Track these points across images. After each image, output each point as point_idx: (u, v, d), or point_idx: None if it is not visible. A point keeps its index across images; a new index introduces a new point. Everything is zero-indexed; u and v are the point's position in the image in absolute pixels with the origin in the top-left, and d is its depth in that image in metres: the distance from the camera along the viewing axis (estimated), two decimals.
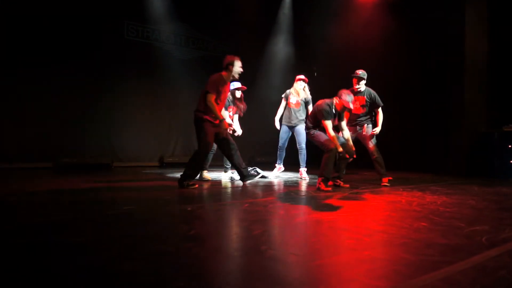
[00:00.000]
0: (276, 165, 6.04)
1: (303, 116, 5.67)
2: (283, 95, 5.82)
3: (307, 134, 4.52)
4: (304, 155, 5.67)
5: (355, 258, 1.70)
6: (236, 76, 4.42)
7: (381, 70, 8.20)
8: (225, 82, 4.36)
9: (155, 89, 8.86)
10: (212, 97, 4.16)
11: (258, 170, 5.78)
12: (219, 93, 4.25)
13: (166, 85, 8.96)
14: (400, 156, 7.67)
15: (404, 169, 7.24)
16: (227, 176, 5.56)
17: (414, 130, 7.81)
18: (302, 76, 5.75)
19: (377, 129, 4.74)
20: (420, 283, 1.37)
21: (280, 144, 5.87)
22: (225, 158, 5.52)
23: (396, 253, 1.76)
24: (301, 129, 5.57)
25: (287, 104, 5.73)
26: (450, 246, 1.88)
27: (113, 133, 8.25)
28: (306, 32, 10.49)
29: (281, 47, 10.78)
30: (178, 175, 6.16)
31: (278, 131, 5.91)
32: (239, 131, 5.62)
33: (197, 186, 4.23)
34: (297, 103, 5.67)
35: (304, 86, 5.70)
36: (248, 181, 4.61)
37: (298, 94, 5.66)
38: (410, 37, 7.89)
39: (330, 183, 4.20)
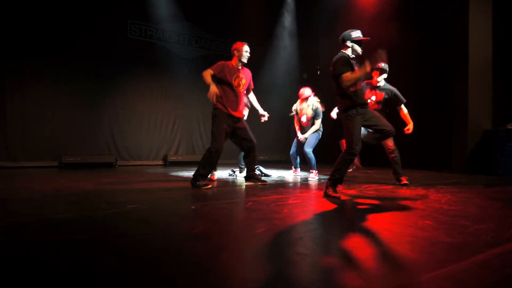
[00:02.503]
0: (293, 168, 6.05)
1: (313, 128, 5.58)
2: (293, 112, 5.80)
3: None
4: (310, 159, 5.49)
5: (359, 256, 1.69)
6: (245, 60, 4.38)
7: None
8: (235, 69, 4.33)
9: (158, 87, 8.89)
10: (208, 71, 4.16)
11: (262, 169, 5.78)
12: (231, 79, 4.25)
13: (169, 83, 8.99)
14: (404, 154, 7.62)
15: (408, 167, 7.20)
16: (242, 176, 5.41)
17: (418, 128, 7.76)
18: (306, 93, 5.62)
19: (411, 126, 4.59)
20: (425, 281, 1.37)
21: (290, 152, 5.92)
22: (240, 157, 5.46)
23: (400, 251, 1.75)
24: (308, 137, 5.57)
25: (299, 120, 5.69)
26: (455, 244, 1.87)
27: (116, 132, 8.29)
28: (310, 31, 10.47)
29: (284, 46, 10.77)
30: (181, 174, 6.20)
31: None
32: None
33: (210, 186, 4.16)
34: (307, 122, 5.60)
35: (311, 101, 5.59)
36: (250, 183, 4.53)
37: (306, 112, 5.59)
38: (415, 35, 7.85)
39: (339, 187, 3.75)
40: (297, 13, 10.79)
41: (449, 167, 6.82)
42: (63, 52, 7.52)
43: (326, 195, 3.47)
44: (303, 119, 5.61)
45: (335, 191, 3.45)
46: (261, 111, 4.77)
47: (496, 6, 6.75)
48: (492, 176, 6.03)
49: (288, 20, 10.79)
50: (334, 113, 4.89)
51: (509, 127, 6.15)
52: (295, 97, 10.67)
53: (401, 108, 4.67)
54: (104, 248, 1.77)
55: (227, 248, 1.80)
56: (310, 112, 5.53)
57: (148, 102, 8.74)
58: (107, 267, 1.51)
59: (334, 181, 3.47)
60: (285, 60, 10.70)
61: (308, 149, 5.48)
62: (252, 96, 4.73)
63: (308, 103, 5.56)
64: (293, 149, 5.86)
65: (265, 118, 4.81)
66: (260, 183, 4.48)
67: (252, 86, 4.59)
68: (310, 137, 5.52)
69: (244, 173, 5.43)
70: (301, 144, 5.65)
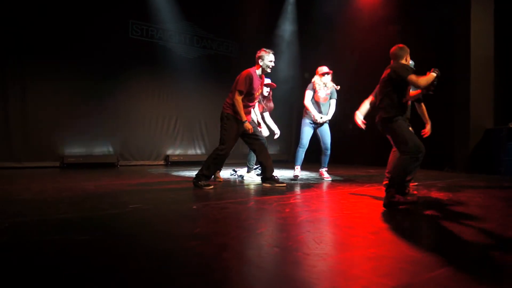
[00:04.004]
0: (296, 167, 5.28)
1: (328, 113, 5.24)
2: (309, 88, 5.21)
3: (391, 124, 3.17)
4: (328, 156, 5.29)
5: (361, 255, 1.69)
6: (268, 70, 4.30)
7: (386, 65, 8.16)
8: (257, 78, 4.25)
9: (159, 87, 8.90)
10: (240, 97, 4.09)
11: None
12: (250, 91, 4.17)
13: (170, 83, 8.99)
14: None
15: None
16: (249, 176, 5.32)
17: (420, 127, 7.76)
18: (326, 69, 5.21)
19: (428, 127, 4.29)
20: (425, 281, 1.37)
21: (303, 142, 5.20)
22: (249, 158, 5.30)
23: (402, 251, 1.75)
24: (327, 127, 5.24)
25: (314, 97, 5.18)
26: (456, 243, 1.87)
27: (118, 132, 8.30)
28: (310, 31, 10.45)
29: (286, 45, 10.76)
30: (183, 174, 6.20)
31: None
32: (276, 131, 5.36)
33: (212, 187, 4.15)
34: (325, 98, 5.21)
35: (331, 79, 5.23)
36: (267, 184, 4.35)
37: (326, 87, 5.17)
38: (416, 34, 7.84)
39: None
40: (298, 13, 10.78)
41: (451, 166, 6.81)
42: (64, 52, 7.54)
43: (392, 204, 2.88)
44: (321, 94, 5.16)
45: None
46: (274, 128, 5.10)
47: (498, 5, 6.73)
48: (494, 175, 6.01)
49: (288, 20, 10.78)
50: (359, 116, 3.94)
51: (511, 126, 6.14)
52: (295, 98, 10.76)
53: (421, 104, 4.38)
54: (106, 248, 1.78)
55: (229, 247, 1.81)
56: (330, 86, 5.19)
57: (149, 102, 8.75)
58: (109, 267, 1.51)
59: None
60: (286, 61, 10.69)
61: (330, 146, 5.25)
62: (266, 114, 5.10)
63: (327, 80, 5.17)
64: (307, 140, 5.24)
65: (277, 136, 5.12)
66: (277, 185, 4.30)
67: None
68: (328, 128, 5.23)
69: (251, 173, 5.36)
70: (315, 135, 5.26)
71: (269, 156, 4.38)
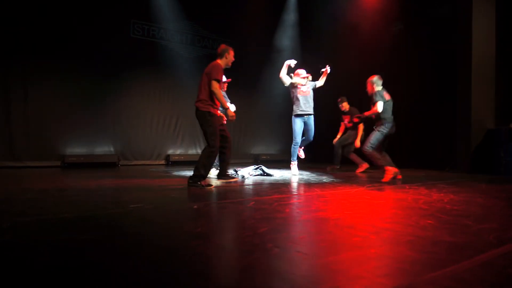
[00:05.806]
0: (293, 163, 5.88)
1: (312, 106, 5.69)
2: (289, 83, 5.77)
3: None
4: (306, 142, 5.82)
5: (361, 255, 1.69)
6: (228, 66, 4.42)
7: (388, 66, 8.17)
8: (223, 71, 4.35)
9: (160, 87, 8.91)
10: (217, 85, 4.14)
11: (264, 168, 5.78)
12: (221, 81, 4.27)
13: (171, 83, 9.01)
14: (406, 153, 7.63)
15: (410, 166, 7.20)
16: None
17: (421, 127, 7.75)
18: (304, 73, 5.77)
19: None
20: (426, 281, 1.37)
21: (297, 140, 5.67)
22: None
23: (402, 251, 1.75)
24: (312, 122, 5.62)
25: (297, 92, 5.65)
26: (457, 244, 1.87)
27: (119, 131, 8.31)
28: (312, 28, 10.44)
29: (287, 44, 10.76)
30: (184, 173, 6.20)
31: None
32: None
33: (213, 186, 4.17)
34: (308, 91, 5.64)
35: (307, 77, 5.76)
36: (222, 180, 4.66)
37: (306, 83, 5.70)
38: (418, 32, 7.84)
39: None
40: (299, 14, 10.77)
41: (452, 166, 6.80)
42: (66, 52, 7.56)
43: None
44: (303, 88, 5.74)
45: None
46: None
47: (499, 4, 6.72)
48: (495, 175, 6.00)
49: (290, 21, 10.77)
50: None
51: (511, 126, 6.13)
52: None
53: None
54: (107, 248, 1.78)
55: (230, 247, 1.81)
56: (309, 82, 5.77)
57: (150, 101, 8.76)
58: (110, 267, 1.51)
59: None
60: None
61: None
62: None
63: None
64: (300, 136, 5.74)
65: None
66: (231, 180, 4.67)
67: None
68: (313, 124, 5.82)
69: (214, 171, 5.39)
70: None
71: (230, 155, 4.73)
